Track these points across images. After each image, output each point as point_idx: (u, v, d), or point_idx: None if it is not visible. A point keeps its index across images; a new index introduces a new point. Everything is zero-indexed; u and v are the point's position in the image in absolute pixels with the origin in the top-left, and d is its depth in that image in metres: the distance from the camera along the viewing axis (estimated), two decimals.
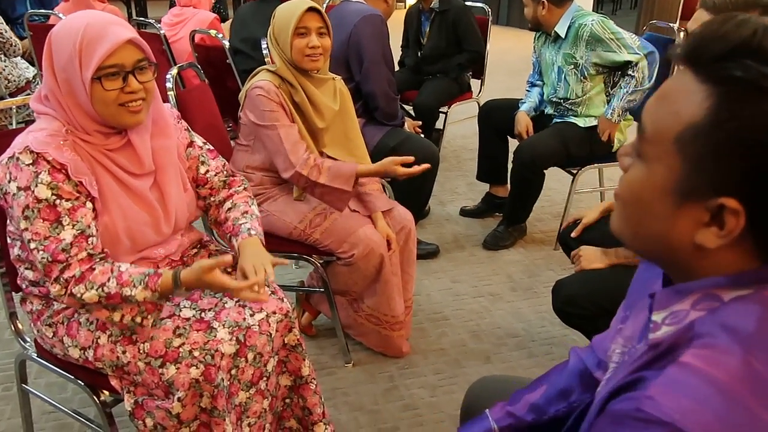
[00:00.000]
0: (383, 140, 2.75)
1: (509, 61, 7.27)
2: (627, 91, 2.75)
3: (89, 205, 1.37)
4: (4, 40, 3.80)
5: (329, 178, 2.02)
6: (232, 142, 2.29)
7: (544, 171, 2.95)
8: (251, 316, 1.52)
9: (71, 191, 1.34)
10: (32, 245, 1.33)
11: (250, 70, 2.22)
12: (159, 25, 3.84)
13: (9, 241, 1.49)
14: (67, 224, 1.33)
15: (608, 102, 2.87)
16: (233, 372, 1.47)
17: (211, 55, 3.36)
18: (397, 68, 3.23)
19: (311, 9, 1.99)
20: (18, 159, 1.32)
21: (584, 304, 1.72)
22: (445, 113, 3.97)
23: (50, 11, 4.46)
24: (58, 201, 1.32)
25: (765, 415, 0.58)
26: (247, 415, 1.53)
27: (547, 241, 3.20)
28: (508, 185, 3.17)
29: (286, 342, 1.62)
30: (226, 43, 3.14)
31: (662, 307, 0.71)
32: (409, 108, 3.81)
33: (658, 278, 0.81)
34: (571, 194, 3.04)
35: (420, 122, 3.23)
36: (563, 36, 2.85)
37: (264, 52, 2.84)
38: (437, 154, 2.94)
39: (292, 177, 2.02)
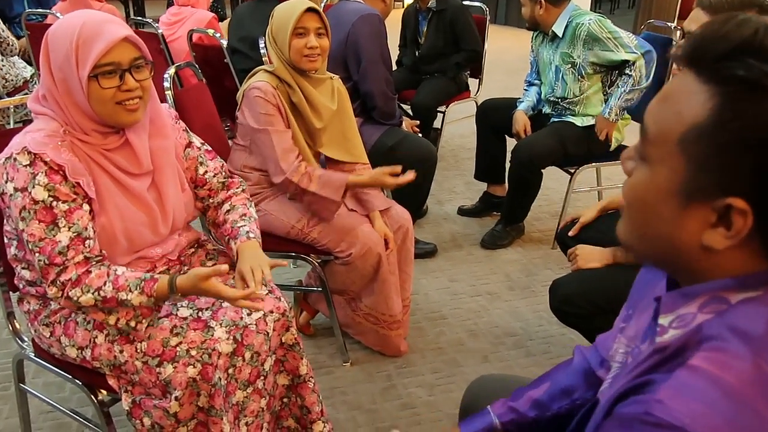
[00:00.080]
0: (381, 139, 2.75)
1: (507, 61, 7.28)
2: (624, 90, 2.75)
3: (86, 207, 1.37)
4: (1, 40, 3.79)
5: (319, 186, 2.02)
6: (229, 142, 2.29)
7: (542, 170, 2.95)
8: (248, 315, 1.52)
9: (68, 193, 1.34)
10: (29, 246, 1.34)
11: (248, 70, 2.22)
12: (157, 24, 3.84)
13: (6, 240, 1.49)
14: (64, 226, 1.33)
15: (606, 101, 2.88)
16: (230, 371, 1.47)
17: (209, 54, 3.35)
18: (394, 68, 3.24)
19: (310, 9, 1.98)
20: (15, 160, 1.32)
21: (581, 303, 1.72)
22: (443, 112, 3.97)
23: (48, 11, 4.45)
24: (54, 203, 1.32)
25: None
26: (244, 414, 1.53)
27: (545, 240, 3.20)
28: (506, 184, 3.18)
29: (283, 341, 1.62)
30: (224, 43, 3.14)
31: (669, 310, 0.70)
32: (406, 107, 3.82)
33: (662, 279, 0.81)
34: (568, 193, 3.04)
35: (418, 121, 3.23)
36: (561, 35, 2.85)
37: (262, 51, 2.84)
38: (435, 154, 2.94)
39: (282, 183, 2.02)
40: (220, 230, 1.67)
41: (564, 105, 2.97)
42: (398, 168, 2.08)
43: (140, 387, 1.46)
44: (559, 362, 1.14)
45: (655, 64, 2.74)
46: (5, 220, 1.46)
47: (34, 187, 1.31)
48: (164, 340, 1.42)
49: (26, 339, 1.66)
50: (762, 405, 0.59)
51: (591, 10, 4.13)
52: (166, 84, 2.09)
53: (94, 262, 1.37)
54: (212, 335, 1.45)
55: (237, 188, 1.71)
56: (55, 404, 1.75)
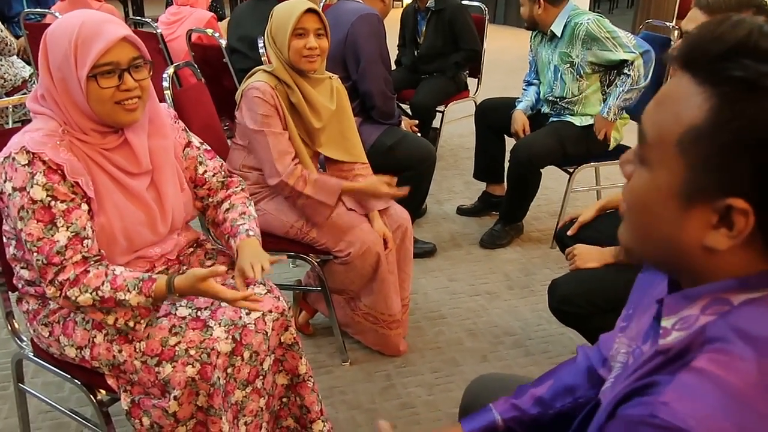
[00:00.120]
0: (380, 139, 2.75)
1: (506, 60, 7.28)
2: (623, 90, 2.75)
3: (84, 206, 1.37)
4: (0, 39, 3.79)
5: (314, 190, 2.03)
6: (228, 142, 2.29)
7: (541, 170, 2.96)
8: (247, 314, 1.52)
9: (66, 192, 1.34)
10: (28, 246, 1.34)
11: (247, 69, 2.22)
12: (155, 24, 3.84)
13: (5, 240, 1.49)
14: (62, 226, 1.33)
15: (604, 101, 2.88)
16: (229, 370, 1.47)
17: (208, 54, 3.35)
18: (393, 67, 3.24)
19: (309, 10, 1.98)
20: (14, 159, 1.32)
21: (580, 303, 1.73)
22: (442, 112, 3.97)
23: (46, 10, 4.44)
24: (53, 202, 1.32)
25: None
26: (243, 414, 1.53)
27: (544, 240, 3.20)
28: (505, 184, 3.18)
29: (282, 340, 1.62)
30: (223, 42, 3.14)
31: (671, 312, 0.70)
32: (406, 107, 3.82)
33: (663, 279, 0.81)
34: (567, 193, 3.04)
35: (417, 121, 3.23)
36: (559, 35, 2.85)
37: (261, 51, 2.84)
38: (434, 153, 2.94)
39: (277, 185, 2.03)
40: (219, 229, 1.67)
41: (563, 104, 2.97)
42: (394, 179, 2.09)
43: (139, 386, 1.46)
44: (558, 361, 1.14)
45: (653, 64, 2.74)
46: (4, 220, 1.46)
47: (32, 186, 1.31)
48: (163, 339, 1.42)
49: (25, 339, 1.66)
50: (766, 407, 0.58)
51: (590, 9, 4.15)
52: (165, 84, 2.09)
53: (92, 262, 1.37)
54: (211, 335, 1.45)
55: (236, 187, 1.71)
56: (54, 404, 1.75)
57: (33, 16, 4.54)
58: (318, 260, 2.15)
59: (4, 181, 1.33)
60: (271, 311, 1.57)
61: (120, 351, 1.43)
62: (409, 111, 3.76)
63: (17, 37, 4.50)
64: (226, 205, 1.67)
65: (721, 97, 0.62)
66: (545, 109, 3.09)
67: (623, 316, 0.94)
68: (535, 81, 3.15)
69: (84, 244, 1.36)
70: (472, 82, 4.09)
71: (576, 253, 1.79)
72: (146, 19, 4.20)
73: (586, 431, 0.79)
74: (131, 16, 8.45)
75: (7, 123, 3.89)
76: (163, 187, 1.51)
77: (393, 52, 3.14)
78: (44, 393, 1.99)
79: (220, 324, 1.47)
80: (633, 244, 0.75)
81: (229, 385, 1.48)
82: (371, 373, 2.22)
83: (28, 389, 1.79)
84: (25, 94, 3.83)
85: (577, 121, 2.92)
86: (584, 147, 2.92)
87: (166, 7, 4.43)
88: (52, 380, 2.15)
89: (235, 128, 2.16)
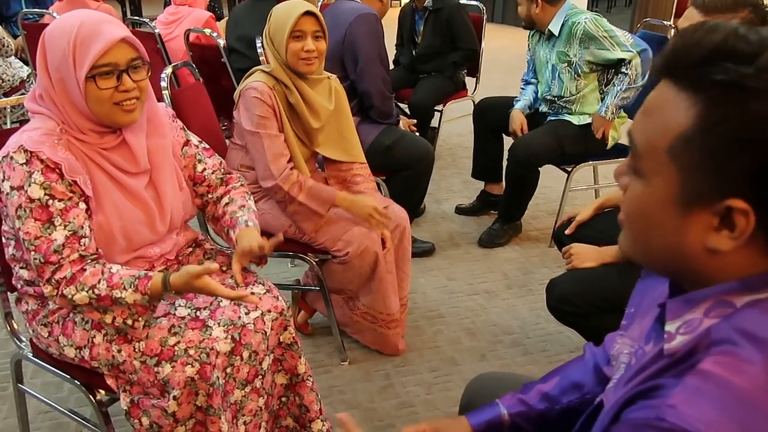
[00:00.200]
0: (378, 139, 2.75)
1: (504, 59, 7.28)
2: (621, 89, 2.76)
3: (82, 205, 1.37)
4: None
5: (308, 197, 2.03)
6: (227, 141, 2.29)
7: (539, 169, 2.96)
8: (246, 314, 1.53)
9: (64, 191, 1.34)
10: (25, 245, 1.34)
11: (245, 69, 2.22)
12: (153, 23, 3.84)
13: (4, 240, 1.49)
14: (59, 225, 1.33)
15: (602, 100, 2.88)
16: (228, 370, 1.48)
17: (206, 53, 3.35)
18: (391, 67, 3.24)
19: (308, 13, 1.98)
20: (12, 158, 1.32)
21: (578, 303, 1.73)
22: (440, 111, 3.97)
23: (44, 10, 4.44)
24: (50, 201, 1.33)
25: None
26: (242, 414, 1.53)
27: (542, 239, 3.21)
28: (503, 183, 3.18)
29: (281, 340, 1.62)
30: (221, 42, 3.14)
31: (675, 316, 0.70)
32: (404, 106, 3.82)
33: (664, 281, 0.81)
34: (565, 192, 3.05)
35: (415, 120, 3.23)
36: (557, 34, 2.86)
37: (259, 51, 2.84)
38: (432, 152, 2.94)
39: (271, 188, 2.03)
40: (219, 223, 1.67)
41: (561, 103, 2.97)
42: (389, 217, 2.10)
43: (138, 386, 1.46)
44: (557, 360, 1.15)
45: (651, 63, 2.74)
46: (3, 220, 1.46)
47: (30, 185, 1.31)
48: (162, 339, 1.42)
49: (24, 339, 1.66)
50: None
51: (587, 8, 4.14)
52: (163, 83, 2.09)
53: (89, 260, 1.37)
54: (210, 334, 1.45)
55: (236, 183, 1.72)
56: (53, 404, 1.75)
57: (31, 16, 4.54)
58: (316, 260, 2.15)
59: (2, 181, 1.34)
60: (270, 311, 1.57)
61: (119, 351, 1.43)
62: (407, 110, 3.76)
63: (15, 36, 4.50)
64: (225, 200, 1.67)
65: (705, 101, 0.63)
66: (543, 108, 3.09)
67: (626, 315, 0.94)
68: (533, 80, 3.15)
69: (81, 243, 1.36)
70: (470, 82, 4.09)
71: (573, 252, 1.79)
72: (144, 19, 4.20)
73: (590, 430, 0.79)
74: (129, 15, 8.44)
75: (5, 123, 3.89)
76: (162, 186, 1.51)
77: (391, 52, 3.14)
78: (43, 393, 1.99)
79: (219, 324, 1.47)
80: (635, 252, 0.75)
81: (229, 385, 1.48)
82: (370, 373, 2.23)
83: (28, 389, 1.79)
84: (23, 94, 3.83)
85: (575, 120, 2.93)
86: (582, 146, 2.92)
87: (165, 7, 4.43)
88: (51, 380, 2.15)
89: (233, 128, 2.16)
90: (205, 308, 1.52)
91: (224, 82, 3.22)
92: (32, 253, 1.33)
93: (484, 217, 3.43)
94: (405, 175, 2.84)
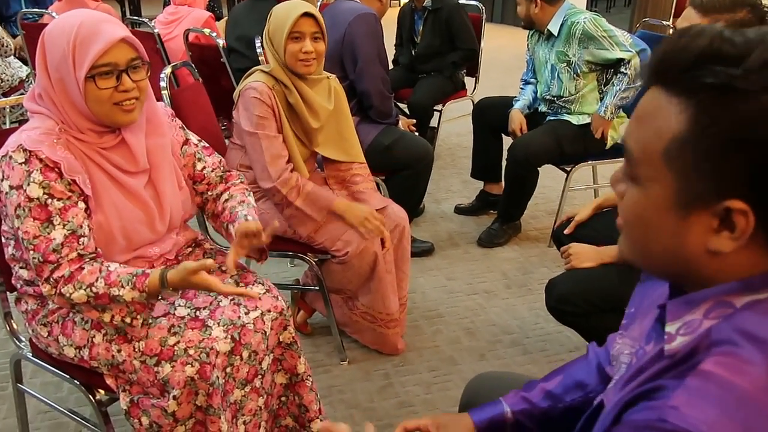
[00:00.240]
0: (378, 138, 2.75)
1: (503, 59, 7.29)
2: (620, 89, 2.76)
3: (81, 204, 1.37)
4: None
5: (305, 203, 2.03)
6: (226, 141, 2.29)
7: (538, 168, 2.96)
8: (246, 314, 1.53)
9: (63, 190, 1.34)
10: (24, 244, 1.34)
11: (244, 69, 2.22)
12: (153, 23, 3.84)
13: (3, 240, 1.49)
14: (58, 224, 1.33)
15: (601, 99, 2.88)
16: (228, 370, 1.48)
17: (206, 53, 3.35)
18: (391, 66, 3.24)
19: (306, 14, 1.98)
20: (11, 158, 1.32)
21: (577, 302, 1.73)
22: (440, 111, 3.97)
23: (44, 10, 4.44)
24: (49, 200, 1.33)
25: None
26: (242, 413, 1.53)
27: (542, 239, 3.21)
28: (503, 183, 3.18)
29: (281, 340, 1.62)
30: (220, 42, 3.14)
31: (675, 318, 0.70)
32: (403, 106, 3.82)
33: (664, 282, 0.81)
34: (565, 191, 3.05)
35: (414, 120, 3.23)
36: (556, 34, 2.86)
37: (258, 51, 2.84)
38: (431, 152, 2.94)
39: (269, 190, 2.03)
40: (219, 219, 1.66)
41: (560, 103, 2.97)
42: (384, 223, 2.09)
43: (138, 386, 1.46)
44: (556, 360, 1.15)
45: None
46: (3, 220, 1.46)
47: (29, 184, 1.31)
48: (162, 339, 1.42)
49: (24, 339, 1.66)
50: None
51: (587, 8, 4.15)
52: (163, 83, 2.09)
53: (87, 259, 1.37)
54: (210, 334, 1.45)
55: (235, 180, 1.72)
56: (52, 404, 1.75)
57: (30, 16, 4.54)
58: (316, 260, 2.15)
59: (2, 180, 1.34)
60: (269, 310, 1.57)
61: (119, 351, 1.43)
62: (406, 110, 3.76)
63: (14, 36, 4.49)
64: (225, 196, 1.67)
65: (697, 105, 0.63)
66: (542, 108, 3.09)
67: (626, 315, 0.94)
68: (533, 80, 3.15)
69: (80, 242, 1.36)
70: (469, 81, 4.09)
71: (572, 252, 1.79)
72: (143, 19, 4.20)
73: (591, 430, 0.79)
74: (128, 15, 8.43)
75: (5, 123, 3.89)
76: (161, 186, 1.51)
77: (390, 52, 3.14)
78: (43, 393, 1.99)
79: (218, 324, 1.48)
80: (635, 257, 0.75)
81: (228, 385, 1.48)
82: (369, 372, 2.23)
83: (27, 389, 1.79)
84: (22, 94, 3.83)
85: (575, 119, 2.93)
86: (581, 146, 2.93)
87: (164, 7, 4.43)
88: (50, 380, 2.15)
89: (232, 128, 2.16)
90: (204, 308, 1.52)
91: (223, 82, 3.22)
92: (31, 252, 1.33)
93: (484, 216, 3.43)
94: (404, 174, 2.84)
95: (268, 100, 2.00)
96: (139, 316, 1.41)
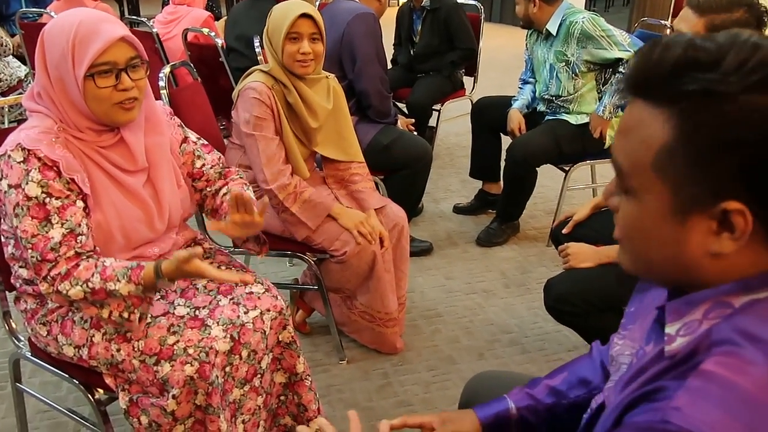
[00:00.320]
0: (376, 138, 2.76)
1: (502, 59, 7.29)
2: (618, 88, 2.76)
3: (80, 203, 1.37)
4: None
5: (300, 210, 2.04)
6: (225, 141, 2.29)
7: (537, 168, 2.96)
8: (245, 313, 1.53)
9: (62, 189, 1.34)
10: (23, 243, 1.34)
11: (244, 68, 2.22)
12: (151, 23, 3.84)
13: (3, 239, 1.49)
14: (56, 223, 1.33)
15: (600, 99, 2.89)
16: (227, 369, 1.48)
17: (205, 53, 3.35)
18: (389, 66, 3.24)
19: (305, 15, 1.98)
20: (9, 156, 1.32)
21: (575, 302, 1.73)
22: (438, 111, 3.97)
23: (42, 10, 4.44)
24: (47, 199, 1.33)
25: None
26: (241, 412, 1.53)
27: (540, 238, 3.21)
28: (501, 182, 3.19)
29: (280, 339, 1.62)
30: (219, 42, 3.14)
31: (674, 319, 0.71)
32: (402, 106, 3.82)
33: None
34: (563, 191, 3.06)
35: (413, 120, 3.23)
36: (554, 33, 2.86)
37: (257, 50, 2.84)
38: (430, 152, 2.94)
39: (267, 192, 2.03)
40: (218, 214, 1.66)
41: (558, 103, 2.98)
42: (376, 230, 2.10)
43: (137, 385, 1.46)
44: (555, 359, 1.15)
45: None
46: (3, 219, 1.46)
47: (27, 183, 1.31)
48: (161, 338, 1.43)
49: (23, 338, 1.66)
50: None
51: (585, 8, 4.15)
52: (161, 83, 2.09)
53: (84, 257, 1.37)
54: (209, 333, 1.45)
55: (234, 176, 1.72)
56: (51, 403, 1.75)
57: (30, 15, 4.53)
58: (314, 259, 2.15)
59: (0, 179, 1.34)
60: (269, 310, 1.58)
61: (118, 350, 1.43)
62: (405, 110, 3.76)
63: (12, 35, 4.49)
64: (224, 190, 1.67)
65: (680, 113, 0.64)
66: (541, 107, 3.09)
67: (625, 315, 0.94)
68: (531, 79, 3.16)
69: (78, 241, 1.35)
70: (468, 81, 4.09)
71: (570, 252, 1.79)
72: (142, 18, 4.20)
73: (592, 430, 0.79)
74: (127, 15, 8.43)
75: (3, 123, 3.89)
76: (160, 184, 1.51)
77: (389, 51, 3.15)
78: (42, 392, 1.99)
79: (218, 323, 1.48)
80: (636, 268, 0.76)
81: (228, 384, 1.49)
82: (368, 372, 2.23)
83: (26, 389, 1.79)
84: (20, 93, 3.83)
85: (573, 119, 2.93)
86: (580, 145, 2.93)
87: (163, 6, 4.43)
88: (49, 379, 2.15)
89: (231, 127, 2.16)
90: (204, 307, 1.52)
91: (222, 81, 3.22)
92: (29, 251, 1.33)
93: (482, 216, 3.43)
94: (403, 174, 2.84)
95: (267, 100, 2.00)
96: (136, 310, 1.40)
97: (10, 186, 1.32)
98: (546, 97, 3.02)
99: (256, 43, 2.84)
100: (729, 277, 0.68)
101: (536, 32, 3.02)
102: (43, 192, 1.32)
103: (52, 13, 4.06)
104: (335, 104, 2.17)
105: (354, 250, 2.05)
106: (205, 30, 3.28)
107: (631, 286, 0.96)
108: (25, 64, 4.17)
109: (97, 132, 1.41)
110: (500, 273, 2.90)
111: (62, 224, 1.34)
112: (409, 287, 2.59)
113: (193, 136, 1.67)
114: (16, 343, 1.66)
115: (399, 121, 2.98)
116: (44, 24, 1.40)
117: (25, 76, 4.04)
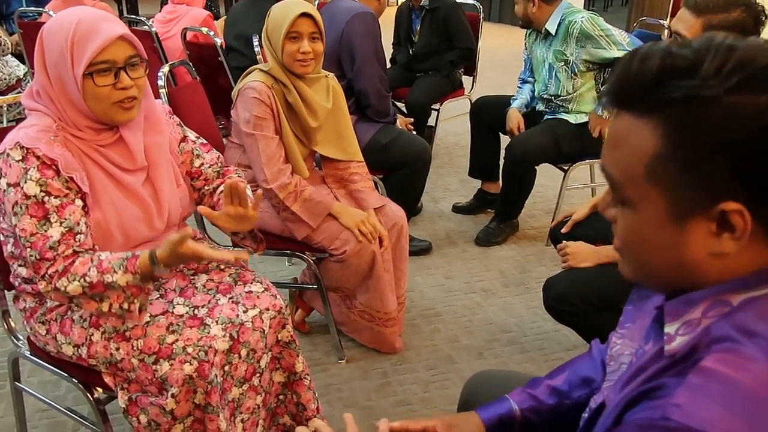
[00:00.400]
0: (375, 137, 2.76)
1: (501, 58, 7.29)
2: (602, 103, 2.76)
3: (78, 202, 1.37)
4: None
5: (301, 209, 2.04)
6: (224, 140, 2.29)
7: (536, 167, 2.97)
8: (244, 312, 1.53)
9: (60, 188, 1.34)
10: (22, 242, 1.34)
11: (243, 68, 2.22)
12: (150, 22, 3.84)
13: (2, 238, 1.48)
14: (55, 221, 1.33)
15: (599, 98, 2.89)
16: (226, 368, 1.48)
17: (204, 52, 3.35)
18: (388, 65, 3.24)
19: (304, 14, 1.98)
20: (8, 155, 1.32)
21: (575, 302, 1.74)
22: (437, 110, 3.97)
23: (41, 9, 4.43)
24: (46, 198, 1.33)
25: None
26: (240, 411, 1.53)
27: (539, 237, 3.21)
28: (500, 182, 3.19)
29: (279, 338, 1.62)
30: (218, 41, 3.14)
31: (673, 318, 0.71)
32: (401, 105, 3.82)
33: None
34: (562, 190, 3.06)
35: (412, 119, 3.23)
36: (553, 33, 2.86)
37: (256, 49, 2.84)
38: (429, 151, 2.95)
39: (267, 191, 2.03)
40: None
41: (557, 102, 2.98)
42: (377, 229, 2.10)
43: (136, 384, 1.46)
44: (554, 358, 1.15)
45: None
46: (1, 217, 1.46)
47: (26, 182, 1.31)
48: (160, 337, 1.42)
49: (21, 337, 1.66)
50: None
51: (584, 7, 4.15)
52: (160, 82, 2.09)
53: (82, 255, 1.36)
54: (208, 332, 1.45)
55: (233, 174, 1.72)
56: (50, 402, 1.75)
57: (29, 14, 4.53)
58: (314, 258, 2.15)
59: (0, 178, 1.34)
60: (268, 309, 1.57)
61: (117, 349, 1.43)
62: (404, 109, 3.76)
63: (11, 34, 4.48)
64: (221, 188, 1.66)
65: (666, 121, 0.65)
66: (540, 107, 3.10)
67: (624, 313, 0.94)
68: (530, 79, 3.16)
69: (76, 239, 1.35)
70: (467, 80, 4.09)
71: (569, 251, 1.79)
72: (141, 18, 4.19)
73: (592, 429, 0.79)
74: (125, 14, 8.42)
75: (2, 122, 3.88)
76: (159, 183, 1.51)
77: (388, 51, 3.15)
78: (41, 391, 1.98)
79: (217, 322, 1.48)
80: (638, 277, 0.76)
81: (227, 383, 1.49)
82: (367, 371, 2.23)
83: (25, 388, 1.78)
84: (19, 92, 3.82)
85: (572, 118, 2.93)
86: (579, 144, 2.93)
87: (162, 6, 4.43)
88: (48, 379, 2.15)
89: (230, 127, 2.16)
90: (203, 306, 1.52)
91: (221, 80, 3.22)
92: (28, 249, 1.33)
93: (481, 215, 3.43)
94: (402, 173, 2.84)
95: (267, 99, 2.00)
96: (136, 300, 1.40)
97: (8, 184, 1.32)
98: (545, 96, 3.02)
99: (256, 43, 2.83)
100: (730, 275, 0.68)
101: (535, 32, 3.02)
102: (41, 191, 1.32)
103: (51, 12, 4.06)
104: (335, 103, 2.17)
105: (354, 249, 2.05)
106: (204, 29, 3.28)
107: (630, 285, 0.96)
108: (23, 62, 4.16)
109: (96, 131, 1.41)
110: (499, 272, 2.90)
111: (61, 223, 1.34)
112: (409, 287, 2.59)
113: (192, 135, 1.67)
114: (15, 342, 1.66)
115: (398, 121, 2.98)
116: (43, 23, 1.41)
117: (24, 74, 4.03)
